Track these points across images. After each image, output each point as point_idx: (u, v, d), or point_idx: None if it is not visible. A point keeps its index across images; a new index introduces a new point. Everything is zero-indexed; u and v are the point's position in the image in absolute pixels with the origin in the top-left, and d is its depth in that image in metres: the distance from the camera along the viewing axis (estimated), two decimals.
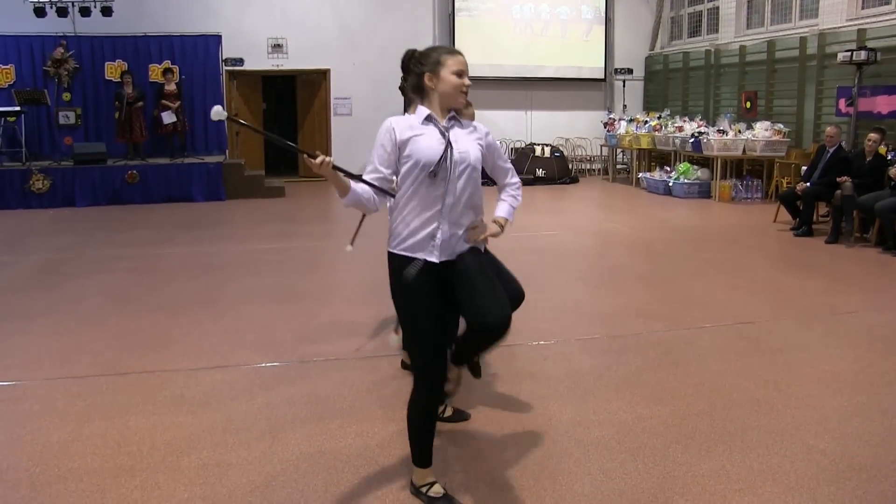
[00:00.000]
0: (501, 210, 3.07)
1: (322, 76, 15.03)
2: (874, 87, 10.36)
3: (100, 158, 12.30)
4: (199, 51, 13.81)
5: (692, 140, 12.53)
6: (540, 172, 14.89)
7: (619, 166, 16.20)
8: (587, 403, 4.02)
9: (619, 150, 15.89)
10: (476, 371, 4.13)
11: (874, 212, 8.10)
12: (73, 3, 12.59)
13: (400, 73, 3.08)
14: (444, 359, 2.91)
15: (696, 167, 12.73)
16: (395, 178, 2.82)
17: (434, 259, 2.81)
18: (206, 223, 10.38)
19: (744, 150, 11.96)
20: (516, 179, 3.16)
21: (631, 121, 14.85)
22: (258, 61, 14.62)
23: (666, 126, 13.82)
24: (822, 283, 6.77)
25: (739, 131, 12.03)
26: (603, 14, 16.03)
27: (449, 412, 3.82)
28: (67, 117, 13.20)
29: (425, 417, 2.94)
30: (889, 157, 8.85)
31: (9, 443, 3.59)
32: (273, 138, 2.81)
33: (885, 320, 5.55)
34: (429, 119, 2.85)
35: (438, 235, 2.82)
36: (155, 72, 13.55)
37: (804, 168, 9.79)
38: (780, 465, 3.30)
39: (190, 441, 3.58)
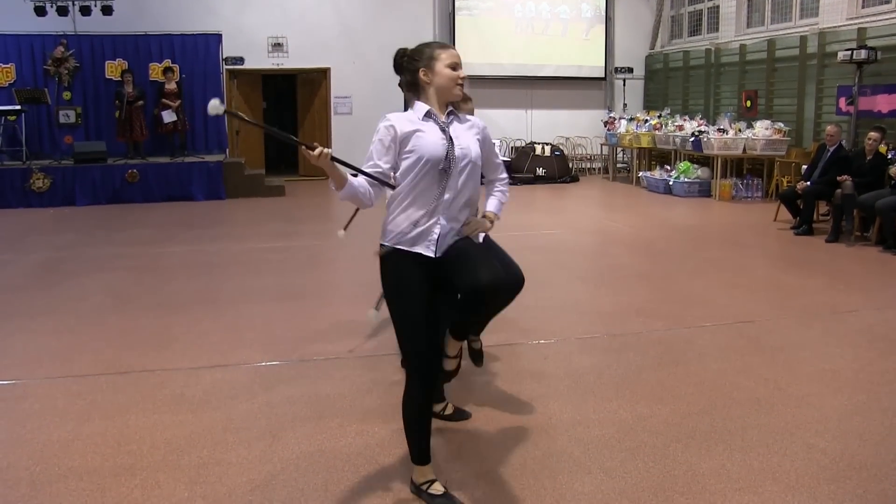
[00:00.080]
0: (491, 205, 3.11)
1: (322, 75, 15.02)
2: (874, 85, 10.35)
3: (100, 157, 12.30)
4: (200, 50, 13.80)
5: (692, 139, 12.53)
6: (540, 171, 14.88)
7: (619, 165, 16.20)
8: (587, 402, 4.02)
9: (619, 149, 15.89)
10: (478, 359, 4.14)
11: (874, 210, 8.10)
12: (73, 2, 12.60)
13: None
14: (437, 353, 2.91)
15: (696, 166, 12.73)
16: (392, 172, 2.82)
17: (430, 254, 2.81)
18: (207, 222, 10.38)
19: (744, 149, 11.96)
20: (505, 175, 3.21)
21: (631, 120, 14.84)
22: (258, 60, 14.61)
23: (666, 125, 13.82)
24: (822, 281, 6.77)
25: (740, 130, 12.02)
26: (603, 13, 16.03)
27: (450, 410, 3.82)
28: (68, 116, 13.19)
29: (420, 413, 2.94)
30: (889, 156, 8.84)
31: (9, 441, 3.60)
32: (271, 130, 2.80)
33: (885, 319, 5.55)
34: (428, 115, 2.85)
35: (437, 231, 2.82)
36: (155, 71, 13.54)
37: (804, 167, 9.79)
38: (780, 464, 3.30)
39: (190, 440, 3.58)
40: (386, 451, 3.44)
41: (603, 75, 16.26)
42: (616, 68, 16.33)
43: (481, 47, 15.25)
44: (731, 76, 13.87)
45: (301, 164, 15.50)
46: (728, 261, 7.64)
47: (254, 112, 15.23)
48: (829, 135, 9.09)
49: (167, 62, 13.52)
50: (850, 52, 10.11)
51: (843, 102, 10.84)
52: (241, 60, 14.50)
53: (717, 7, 14.61)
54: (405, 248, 2.81)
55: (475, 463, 3.35)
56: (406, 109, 3.00)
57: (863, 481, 3.15)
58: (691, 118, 13.64)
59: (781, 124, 11.78)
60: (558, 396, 4.10)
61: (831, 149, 9.05)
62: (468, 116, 3.06)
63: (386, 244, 2.84)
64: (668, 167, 13.39)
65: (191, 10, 14.01)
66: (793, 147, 11.81)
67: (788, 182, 10.57)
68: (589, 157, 16.45)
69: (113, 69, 13.40)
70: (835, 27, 11.35)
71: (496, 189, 3.15)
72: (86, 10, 12.63)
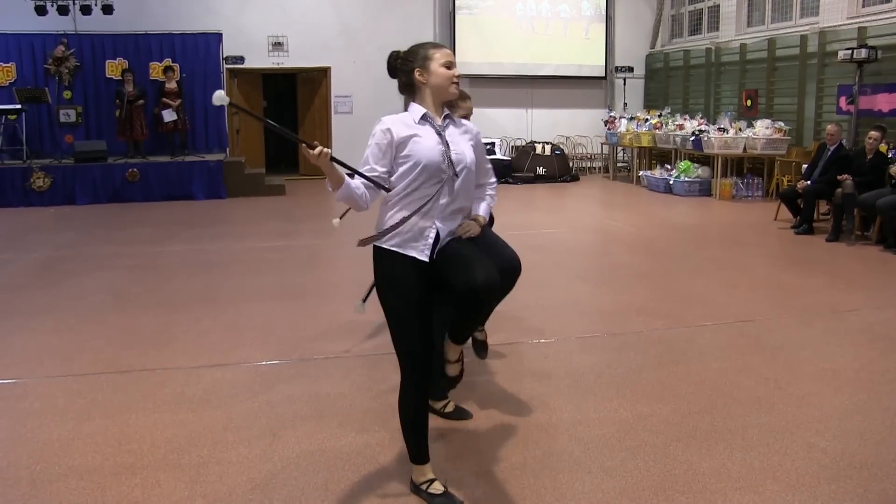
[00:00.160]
0: (480, 209, 3.13)
1: (323, 74, 15.02)
2: (875, 85, 10.35)
3: (100, 156, 12.29)
4: (200, 49, 13.79)
5: (693, 138, 12.52)
6: (540, 170, 14.88)
7: (619, 164, 16.20)
8: (587, 401, 4.02)
9: (619, 149, 15.88)
10: (482, 350, 4.14)
11: (875, 210, 8.09)
12: (74, 1, 12.59)
13: None
14: (431, 352, 2.91)
15: (696, 165, 12.72)
16: (388, 176, 2.81)
17: (424, 258, 2.82)
18: (207, 221, 10.38)
19: (744, 149, 11.95)
20: (494, 179, 3.24)
21: (632, 119, 14.84)
22: (259, 59, 14.61)
23: (666, 124, 13.82)
24: (822, 281, 6.77)
25: (740, 129, 12.02)
26: (603, 12, 16.02)
27: (450, 408, 3.82)
28: (68, 115, 13.19)
29: (416, 412, 2.94)
30: (890, 155, 8.83)
31: (9, 440, 3.60)
32: (272, 125, 2.80)
33: (885, 318, 5.54)
34: (425, 118, 2.85)
35: (431, 235, 2.82)
36: (156, 70, 13.53)
37: (805, 166, 9.79)
38: (780, 464, 3.29)
39: (190, 439, 3.58)
40: (386, 449, 3.44)
41: (603, 74, 16.25)
42: (616, 67, 16.33)
43: (481, 46, 15.25)
44: (732, 75, 13.86)
45: (301, 164, 15.49)
46: (728, 260, 7.63)
47: (254, 111, 15.22)
48: (830, 134, 9.09)
49: (167, 61, 13.51)
50: (850, 52, 10.11)
51: (843, 101, 10.84)
52: (241, 60, 14.50)
53: (718, 6, 14.60)
54: (399, 251, 2.80)
55: (475, 462, 3.35)
56: (406, 110, 3.00)
57: (863, 480, 3.15)
58: (692, 117, 13.64)
59: (782, 123, 11.78)
60: (559, 395, 4.10)
61: (832, 148, 9.05)
62: (463, 121, 3.05)
63: (381, 245, 2.84)
64: (669, 166, 13.39)
65: (191, 10, 14.01)
66: (793, 146, 11.81)
67: (789, 181, 10.57)
68: (589, 156, 16.45)
69: (113, 68, 13.40)
70: (835, 26, 11.35)
71: (485, 192, 3.19)
72: (86, 10, 12.63)
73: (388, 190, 2.80)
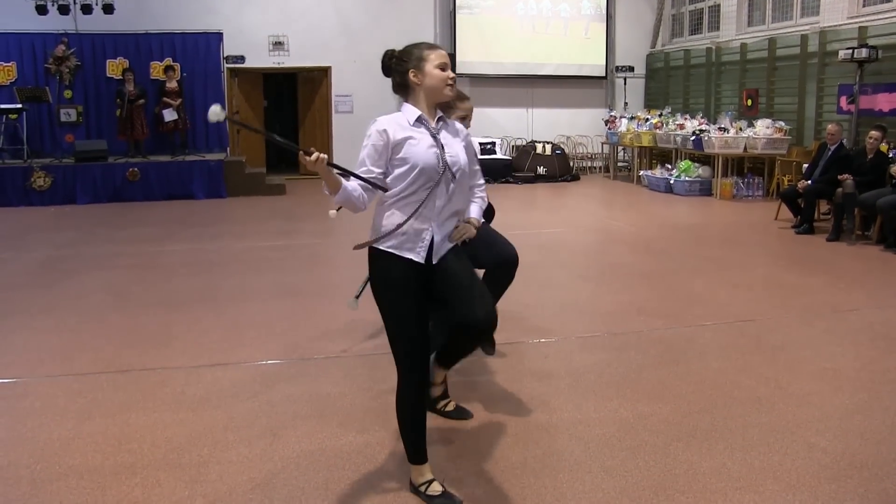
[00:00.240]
0: (473, 212, 3.16)
1: (323, 74, 15.02)
2: (875, 84, 10.35)
3: (101, 156, 12.30)
4: (201, 48, 13.81)
5: (693, 138, 12.52)
6: (541, 170, 14.88)
7: (620, 164, 16.19)
8: (588, 401, 4.02)
9: (620, 148, 15.88)
10: (489, 346, 4.15)
11: (875, 209, 8.09)
12: (74, 0, 12.59)
13: None
14: (428, 351, 2.91)
15: (697, 165, 12.72)
16: (383, 177, 2.82)
17: (420, 259, 2.82)
18: (207, 220, 10.38)
19: (745, 148, 11.95)
20: (483, 181, 3.32)
21: (632, 118, 14.84)
22: (259, 59, 14.61)
23: (667, 124, 13.81)
24: (823, 280, 6.76)
25: (741, 129, 12.02)
26: (604, 11, 16.01)
27: (451, 407, 3.82)
28: (69, 115, 13.20)
29: (414, 411, 2.94)
30: (890, 155, 8.83)
31: (9, 440, 3.60)
32: (269, 136, 2.81)
33: (886, 318, 5.54)
34: (419, 121, 2.84)
35: (427, 237, 2.82)
36: (156, 69, 13.54)
37: (805, 166, 9.79)
38: (781, 463, 3.29)
39: (191, 438, 3.58)
40: (387, 449, 3.44)
41: (604, 74, 16.25)
42: (617, 67, 16.32)
43: (482, 46, 15.25)
44: (732, 75, 13.85)
45: (302, 163, 15.50)
46: (729, 259, 7.63)
47: (255, 111, 15.24)
48: (830, 133, 9.09)
49: (168, 61, 13.52)
50: (850, 51, 10.10)
51: (843, 101, 10.83)
52: (241, 59, 14.49)
53: (718, 6, 14.59)
54: (396, 253, 2.81)
55: (476, 461, 3.34)
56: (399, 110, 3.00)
57: (864, 480, 3.14)
58: (692, 117, 13.63)
59: (782, 123, 11.77)
60: (559, 395, 4.10)
61: (832, 147, 9.04)
62: (455, 123, 3.06)
63: (377, 247, 2.84)
64: (669, 166, 13.39)
65: (192, 9, 14.00)
66: (794, 146, 11.80)
67: (789, 181, 10.57)
68: (590, 155, 16.44)
69: (114, 68, 13.41)
70: (836, 26, 11.34)
71: (475, 195, 3.22)
72: (87, 9, 12.62)
73: (385, 190, 2.80)
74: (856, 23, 10.95)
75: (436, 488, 2.99)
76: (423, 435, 3.00)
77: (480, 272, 4.10)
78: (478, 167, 3.23)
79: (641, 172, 14.19)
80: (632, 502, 2.99)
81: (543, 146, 15.24)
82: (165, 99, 12.74)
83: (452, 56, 14.65)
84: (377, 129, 2.79)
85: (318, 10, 14.71)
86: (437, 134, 2.86)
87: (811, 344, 4.95)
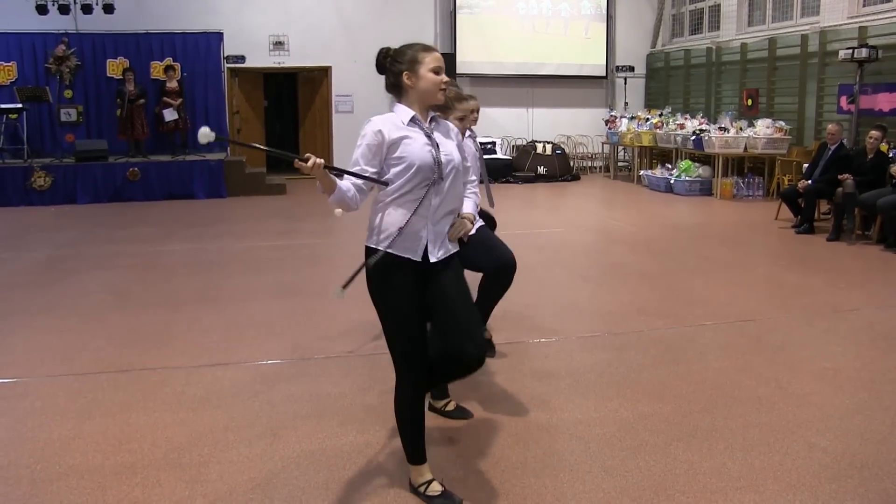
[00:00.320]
0: (468, 207, 3.16)
1: (323, 73, 15.02)
2: (875, 84, 10.34)
3: (101, 155, 12.29)
4: (201, 48, 13.80)
5: (693, 137, 12.52)
6: (541, 170, 14.88)
7: (620, 164, 16.19)
8: (588, 401, 4.02)
9: (620, 148, 15.87)
10: (489, 349, 4.15)
11: (876, 209, 8.09)
12: (74, 0, 12.59)
13: None
14: (427, 351, 2.91)
15: (697, 165, 12.72)
16: (377, 177, 2.82)
17: (418, 258, 2.82)
18: (208, 220, 10.38)
19: (745, 148, 11.95)
20: (475, 178, 3.36)
21: (632, 118, 14.83)
22: (260, 59, 14.61)
23: (667, 123, 13.81)
24: (823, 280, 6.76)
25: (741, 129, 12.01)
26: (604, 11, 16.01)
27: (451, 406, 3.82)
28: (69, 114, 13.20)
29: (412, 411, 2.94)
30: (890, 155, 8.82)
31: (10, 440, 3.60)
32: (262, 149, 2.83)
33: (886, 317, 5.54)
34: (413, 121, 2.84)
35: (424, 235, 2.82)
36: (156, 69, 13.54)
37: (805, 165, 9.78)
38: (781, 463, 3.29)
39: (191, 438, 3.58)
40: (387, 449, 3.44)
41: (604, 74, 16.25)
42: (617, 67, 16.32)
43: (482, 46, 15.25)
44: (733, 75, 13.85)
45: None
46: (729, 259, 7.63)
47: (255, 111, 15.25)
48: (831, 133, 9.08)
49: (168, 60, 13.52)
50: (851, 51, 10.10)
51: (844, 101, 10.83)
52: (242, 59, 14.50)
53: (719, 6, 14.59)
54: (393, 252, 2.81)
55: (476, 461, 3.34)
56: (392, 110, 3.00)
57: (864, 480, 3.14)
58: (692, 117, 13.62)
59: (782, 123, 11.77)
60: (559, 395, 4.10)
61: (832, 147, 9.04)
62: (449, 123, 3.06)
63: (375, 246, 2.83)
64: (670, 166, 13.38)
65: (192, 9, 14.00)
66: (794, 146, 11.80)
67: (789, 181, 10.57)
68: (590, 155, 16.44)
69: (114, 67, 13.41)
70: (836, 26, 11.34)
71: (469, 192, 3.22)
72: (87, 9, 12.62)
73: (386, 185, 2.79)
74: (856, 23, 10.95)
75: (435, 488, 2.99)
76: (422, 435, 3.00)
77: (478, 275, 4.12)
78: (469, 164, 3.24)
79: (642, 172, 14.18)
80: (632, 502, 2.99)
81: (544, 146, 15.23)
82: (166, 99, 12.74)
83: (453, 56, 14.69)
84: (372, 128, 2.79)
85: (318, 9, 14.71)
86: (431, 134, 2.86)
87: (811, 344, 4.95)
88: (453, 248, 2.95)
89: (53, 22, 12.79)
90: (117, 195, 12.11)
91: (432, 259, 2.85)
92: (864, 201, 8.24)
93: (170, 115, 12.66)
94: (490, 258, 3.94)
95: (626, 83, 16.27)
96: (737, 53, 13.65)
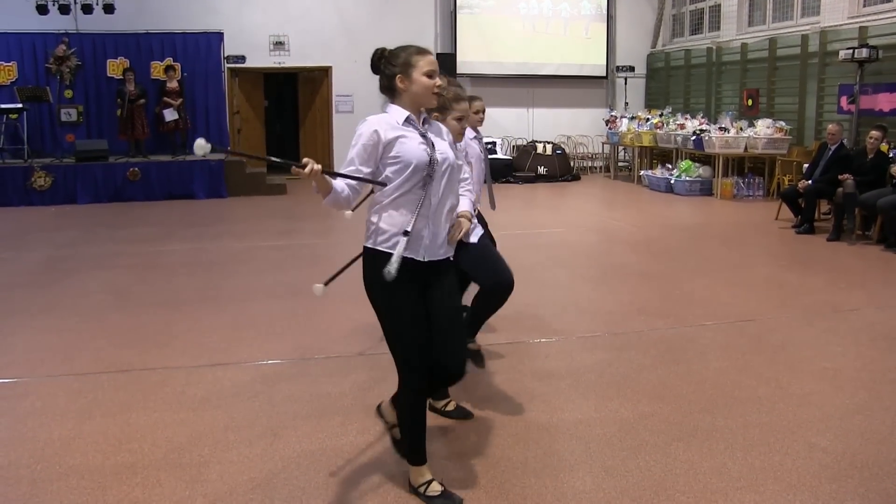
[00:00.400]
0: (464, 205, 3.20)
1: (324, 74, 15.02)
2: (876, 84, 10.34)
3: (101, 155, 12.29)
4: (201, 48, 13.80)
5: (694, 138, 12.52)
6: (542, 170, 14.88)
7: (620, 164, 16.19)
8: (588, 401, 4.02)
9: (620, 148, 15.87)
10: (479, 360, 4.15)
11: (876, 209, 8.09)
12: (75, 0, 12.59)
13: None
14: (429, 352, 2.91)
15: (697, 165, 12.72)
16: (372, 177, 2.82)
17: (420, 258, 2.82)
18: (208, 220, 10.38)
19: (745, 148, 11.95)
20: (468, 176, 3.40)
21: (633, 118, 14.83)
22: (260, 59, 14.61)
23: (667, 123, 13.81)
24: (823, 280, 6.76)
25: (741, 129, 12.01)
26: (605, 11, 16.01)
27: (451, 407, 3.82)
28: (69, 114, 13.19)
29: (414, 412, 2.95)
30: (891, 155, 8.82)
31: (10, 440, 3.60)
32: (258, 158, 2.83)
33: (886, 317, 5.54)
34: (408, 121, 2.84)
35: (425, 234, 2.82)
36: (157, 69, 13.53)
37: (806, 166, 9.78)
38: (781, 463, 3.29)
39: (191, 438, 3.58)
40: (387, 449, 3.43)
41: (604, 74, 16.25)
42: (618, 67, 16.32)
43: (482, 46, 15.25)
44: (733, 75, 13.85)
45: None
46: (729, 259, 7.63)
47: (255, 111, 15.25)
48: (831, 133, 9.08)
49: (169, 60, 13.51)
50: (851, 51, 10.10)
51: (844, 101, 10.82)
52: (242, 59, 14.50)
53: (719, 6, 14.59)
54: (394, 253, 2.80)
55: (476, 461, 3.35)
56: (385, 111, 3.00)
57: (864, 480, 3.14)
58: (693, 117, 13.62)
59: (783, 123, 11.77)
60: (560, 395, 4.10)
61: (833, 147, 9.04)
62: (440, 124, 3.07)
63: (376, 247, 2.83)
64: (670, 166, 13.38)
65: (192, 9, 14.00)
66: (794, 146, 11.80)
67: (790, 181, 10.56)
68: (590, 155, 16.44)
69: (114, 67, 13.40)
70: (836, 26, 11.34)
71: (464, 189, 3.26)
72: (87, 9, 12.62)
73: (384, 185, 2.79)
74: (856, 23, 10.95)
75: (435, 488, 2.99)
76: (423, 436, 3.00)
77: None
78: (462, 162, 3.25)
79: (642, 172, 14.18)
80: (632, 502, 2.99)
81: (544, 146, 15.23)
82: (166, 99, 12.73)
83: (453, 56, 14.70)
84: (368, 128, 2.78)
85: (318, 9, 14.71)
86: (426, 133, 2.86)
87: (812, 344, 4.95)
88: (450, 251, 2.97)
89: (54, 22, 12.79)
90: (117, 195, 12.11)
91: (432, 258, 2.85)
92: (865, 201, 8.23)
93: (170, 115, 12.66)
94: (490, 275, 3.89)
95: (626, 83, 16.27)
96: (737, 53, 13.65)
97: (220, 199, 12.41)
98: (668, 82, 15.97)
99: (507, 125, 15.63)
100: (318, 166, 2.61)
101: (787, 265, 7.48)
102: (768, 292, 6.33)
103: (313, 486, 3.13)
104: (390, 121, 2.82)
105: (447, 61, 14.66)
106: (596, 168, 16.47)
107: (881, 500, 3.01)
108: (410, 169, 2.76)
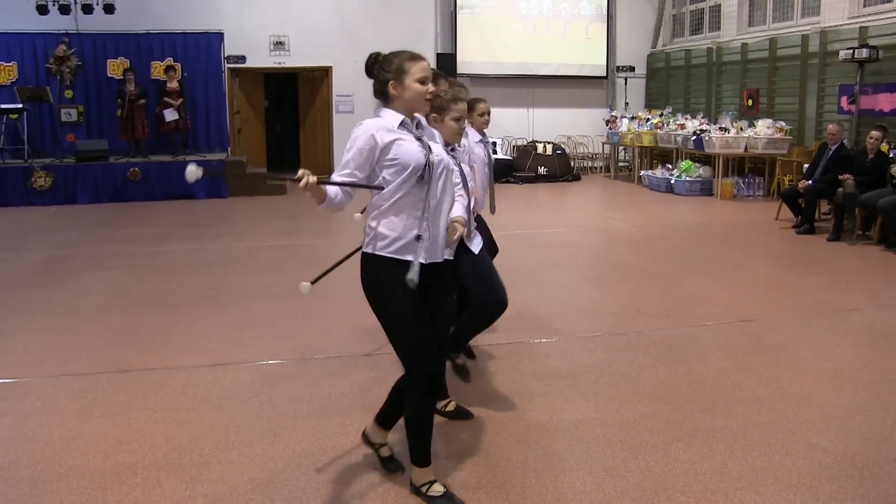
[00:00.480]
0: (457, 210, 3.19)
1: (324, 74, 15.02)
2: (876, 84, 10.34)
3: (102, 156, 12.29)
4: (202, 48, 13.79)
5: (694, 138, 12.51)
6: (542, 170, 14.87)
7: (621, 164, 16.18)
8: (589, 401, 4.02)
9: (621, 148, 15.87)
10: (464, 375, 4.12)
11: (876, 209, 8.09)
12: (75, 0, 12.59)
13: None
14: (436, 353, 2.91)
15: (697, 165, 12.71)
16: (367, 181, 2.82)
17: (421, 260, 2.83)
18: (208, 220, 10.38)
19: (745, 148, 11.94)
20: (458, 180, 3.40)
21: (633, 118, 14.82)
22: (260, 59, 14.60)
23: (668, 124, 13.80)
24: (823, 280, 6.76)
25: (741, 129, 12.01)
26: (605, 11, 16.01)
27: (451, 407, 3.82)
28: (69, 114, 13.19)
29: (421, 413, 2.94)
30: (891, 155, 8.82)
31: (10, 440, 3.60)
32: (251, 175, 2.84)
33: (887, 318, 5.54)
34: (402, 124, 2.85)
35: (425, 237, 2.83)
36: (157, 69, 13.52)
37: (806, 166, 9.78)
38: (781, 463, 3.29)
39: (191, 438, 3.58)
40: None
41: (605, 74, 16.24)
42: (618, 67, 16.31)
43: (483, 46, 15.25)
44: (733, 75, 13.85)
45: (303, 163, 15.49)
46: (729, 259, 7.63)
47: (255, 111, 15.24)
48: (831, 133, 9.08)
49: (169, 61, 13.51)
50: (851, 51, 10.10)
51: (844, 101, 10.82)
52: (242, 59, 14.49)
53: (719, 6, 14.58)
54: (396, 257, 2.81)
55: (476, 461, 3.35)
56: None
57: (865, 480, 3.14)
58: (693, 117, 13.62)
59: (783, 123, 11.77)
60: (560, 395, 4.10)
61: (833, 147, 9.04)
62: (432, 129, 3.08)
63: (377, 253, 2.83)
64: (670, 166, 13.38)
65: (192, 9, 13.99)
66: (794, 146, 11.80)
67: (790, 181, 10.56)
68: (591, 155, 16.43)
69: (115, 67, 13.40)
70: (836, 26, 11.33)
71: (456, 195, 3.25)
72: (88, 9, 12.61)
73: (380, 189, 2.80)
74: (856, 23, 10.95)
75: (437, 489, 2.99)
76: (429, 438, 3.00)
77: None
78: (454, 167, 3.28)
79: (642, 172, 14.18)
80: (633, 502, 3.00)
81: (544, 146, 15.23)
82: (166, 99, 12.73)
83: (453, 56, 14.70)
84: (365, 133, 2.78)
85: (318, 10, 14.71)
86: (421, 136, 2.87)
87: (812, 344, 4.95)
88: (449, 253, 2.98)
89: (54, 22, 12.78)
90: (118, 195, 12.11)
91: (432, 260, 2.85)
92: (865, 201, 8.23)
93: (170, 115, 12.65)
94: (485, 293, 3.84)
95: (626, 83, 16.26)
96: (737, 53, 13.64)
97: (221, 200, 12.41)
98: (668, 82, 15.97)
99: (508, 125, 15.63)
100: (312, 179, 2.60)
101: (787, 265, 7.48)
102: (768, 292, 6.33)
103: (313, 486, 3.13)
104: (385, 124, 2.83)
105: (447, 61, 14.67)
106: (596, 168, 16.46)
107: (881, 501, 3.01)
108: (408, 171, 2.77)
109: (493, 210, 4.75)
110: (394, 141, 2.78)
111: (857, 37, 10.71)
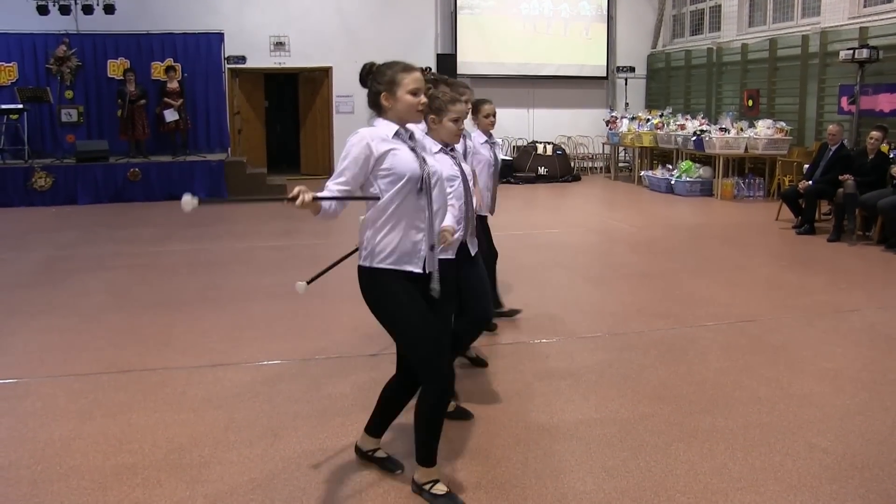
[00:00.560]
0: (448, 220, 3.18)
1: (324, 74, 15.02)
2: (876, 85, 10.34)
3: (102, 156, 12.29)
4: (202, 49, 13.79)
5: (694, 138, 12.51)
6: (542, 170, 14.87)
7: (621, 164, 16.19)
8: (589, 401, 4.02)
9: (621, 148, 15.87)
10: (480, 363, 4.13)
11: (876, 210, 8.09)
12: (75, 0, 12.59)
13: None
14: (448, 356, 2.92)
15: (698, 165, 12.71)
16: (360, 192, 2.82)
17: (419, 270, 2.84)
18: (208, 220, 10.36)
19: (746, 149, 11.94)
20: (451, 189, 3.38)
21: (633, 119, 14.83)
22: (260, 59, 14.61)
23: (668, 124, 13.80)
24: (824, 280, 6.76)
25: (741, 129, 12.01)
26: (605, 12, 16.01)
27: (451, 407, 3.81)
28: (70, 115, 13.19)
29: (433, 413, 2.94)
30: (891, 156, 8.82)
31: (10, 440, 3.60)
32: (250, 200, 2.84)
33: (887, 318, 5.54)
34: (397, 134, 2.85)
35: (423, 246, 2.84)
36: (157, 69, 13.52)
37: (806, 166, 9.77)
38: (782, 464, 3.29)
39: (192, 439, 3.58)
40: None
41: (605, 74, 16.25)
42: (618, 67, 16.31)
43: (483, 46, 15.25)
44: (733, 75, 13.85)
45: (303, 164, 15.51)
46: (730, 260, 7.63)
47: (255, 111, 15.25)
48: (831, 134, 9.08)
49: (169, 61, 13.50)
50: (851, 52, 10.10)
51: (844, 102, 10.82)
52: (242, 59, 14.50)
53: (719, 6, 14.59)
54: (396, 268, 2.82)
55: (477, 462, 3.35)
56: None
57: (865, 481, 3.14)
58: (693, 117, 13.62)
59: (783, 123, 11.77)
60: (560, 395, 4.10)
61: (833, 148, 9.04)
62: (423, 141, 3.08)
63: (376, 265, 2.83)
64: (670, 166, 13.38)
65: (193, 9, 14.00)
66: (794, 146, 11.80)
67: (790, 181, 10.56)
68: (591, 156, 16.43)
69: (115, 68, 13.40)
70: (836, 26, 11.34)
71: (448, 203, 3.23)
72: (88, 9, 12.62)
73: (377, 199, 2.80)
74: (857, 23, 10.95)
75: (440, 488, 2.99)
76: (438, 438, 3.00)
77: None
78: (446, 174, 3.30)
79: (642, 173, 14.18)
80: (633, 503, 3.00)
81: (544, 146, 15.23)
82: (166, 99, 12.73)
83: (453, 56, 14.70)
84: (361, 142, 2.78)
85: (319, 10, 14.71)
86: (415, 147, 2.88)
87: (812, 344, 4.95)
88: (450, 253, 2.99)
89: (54, 22, 12.78)
90: (118, 195, 12.11)
91: (431, 269, 2.87)
92: (865, 202, 8.24)
93: (170, 115, 12.65)
94: (478, 304, 3.83)
95: (626, 84, 16.25)
96: (737, 54, 13.65)
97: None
98: (668, 83, 15.97)
99: (508, 125, 15.60)
100: (308, 196, 2.60)
101: (787, 266, 7.48)
102: (769, 293, 6.33)
103: (314, 487, 3.13)
104: (381, 134, 2.84)
105: (447, 62, 14.67)
106: (596, 168, 16.46)
107: (882, 501, 3.01)
108: (403, 181, 2.78)
109: (492, 211, 4.75)
110: (389, 151, 2.79)
111: (857, 37, 10.72)
